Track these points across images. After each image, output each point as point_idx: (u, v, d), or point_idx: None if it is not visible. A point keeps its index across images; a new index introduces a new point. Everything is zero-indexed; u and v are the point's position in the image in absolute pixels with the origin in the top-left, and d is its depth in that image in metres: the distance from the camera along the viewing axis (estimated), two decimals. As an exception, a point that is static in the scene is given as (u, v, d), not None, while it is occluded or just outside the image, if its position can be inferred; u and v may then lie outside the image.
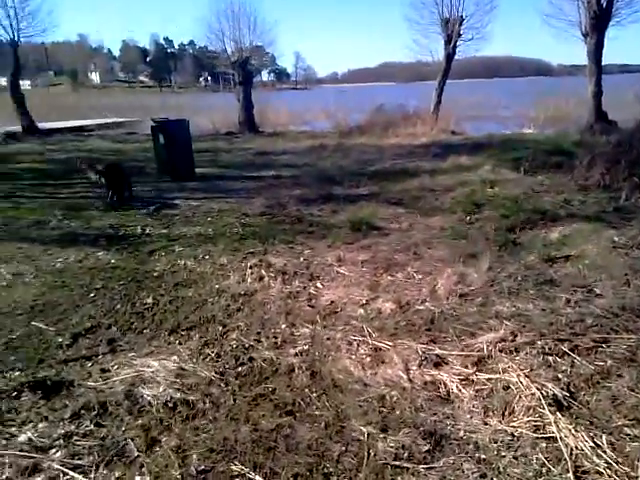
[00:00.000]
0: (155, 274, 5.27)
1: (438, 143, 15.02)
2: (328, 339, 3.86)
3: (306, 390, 3.23)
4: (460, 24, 19.56)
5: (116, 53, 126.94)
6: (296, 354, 3.68)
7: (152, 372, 3.44)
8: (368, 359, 3.56)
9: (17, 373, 3.43)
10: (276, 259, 5.52)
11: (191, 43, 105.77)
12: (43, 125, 22.11)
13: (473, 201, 7.61)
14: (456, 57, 20.34)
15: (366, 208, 7.47)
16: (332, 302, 4.50)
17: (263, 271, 5.18)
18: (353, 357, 3.60)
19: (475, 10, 19.73)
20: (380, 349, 3.66)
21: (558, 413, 2.88)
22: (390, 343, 3.72)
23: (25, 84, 78.81)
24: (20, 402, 3.11)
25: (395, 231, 6.54)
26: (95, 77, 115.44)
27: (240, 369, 3.51)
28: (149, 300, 4.64)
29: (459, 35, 19.74)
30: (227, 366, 3.54)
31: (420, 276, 4.98)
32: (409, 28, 25.69)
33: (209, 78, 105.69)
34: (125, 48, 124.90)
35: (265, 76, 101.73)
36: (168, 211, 7.72)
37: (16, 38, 20.68)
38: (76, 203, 8.31)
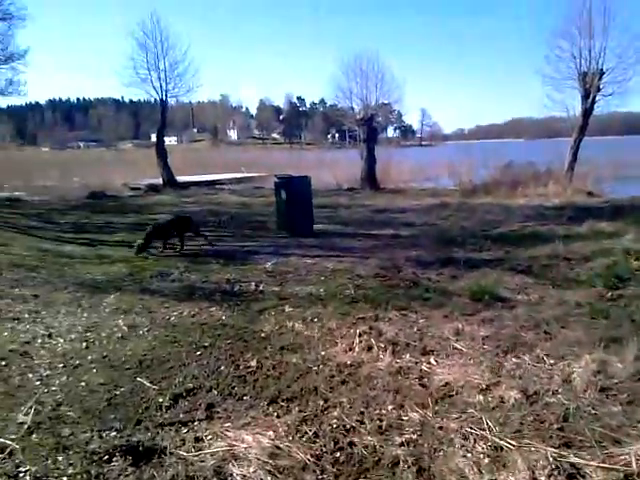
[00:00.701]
0: (262, 335, 5.14)
1: (573, 205, 13.91)
2: (440, 428, 3.40)
3: (410, 492, 2.80)
4: (600, 78, 18.36)
5: (253, 111, 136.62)
6: (402, 443, 3.26)
7: (245, 448, 3.21)
8: (486, 460, 3.04)
9: (113, 434, 3.36)
10: (387, 327, 5.17)
11: (322, 101, 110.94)
12: (182, 178, 23.85)
13: (615, 274, 6.69)
14: (594, 113, 19.03)
15: (489, 275, 6.91)
16: (447, 383, 4.02)
17: (373, 340, 4.84)
18: (468, 455, 3.10)
19: (617, 63, 18.41)
20: (501, 449, 3.13)
21: None
22: (514, 442, 3.17)
23: (172, 140, 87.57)
24: (110, 467, 3.00)
25: (522, 304, 5.89)
26: (233, 134, 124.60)
27: (338, 454, 3.17)
28: (253, 363, 4.48)
29: (598, 90, 18.51)
30: (324, 449, 3.21)
31: (551, 361, 4.34)
32: (543, 83, 24.60)
33: (336, 135, 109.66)
34: (261, 107, 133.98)
35: (390, 132, 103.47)
36: (283, 268, 7.70)
37: (164, 98, 22.86)
38: (197, 256, 8.60)
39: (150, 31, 22.08)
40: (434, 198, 16.53)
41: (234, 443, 3.26)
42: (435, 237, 9.93)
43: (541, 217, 12.15)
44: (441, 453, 3.15)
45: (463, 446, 3.19)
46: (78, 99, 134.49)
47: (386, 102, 23.00)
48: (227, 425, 3.49)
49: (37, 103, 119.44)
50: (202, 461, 3.09)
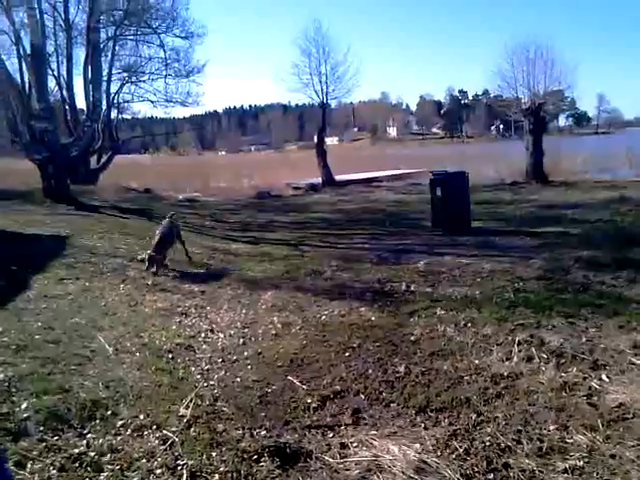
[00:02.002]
0: (412, 338, 4.98)
1: None
2: (612, 457, 2.98)
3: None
4: None
5: (413, 108, 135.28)
6: (566, 470, 2.90)
7: (390, 459, 3.09)
8: (669, 501, 2.59)
9: (263, 432, 3.44)
10: (551, 336, 4.70)
11: (485, 93, 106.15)
12: (340, 177, 24.39)
13: None
14: None
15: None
16: (621, 404, 3.52)
17: (533, 350, 4.44)
18: (647, 493, 2.67)
19: None
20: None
21: None
22: None
23: (334, 140, 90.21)
24: (258, 468, 3.05)
25: None
26: (392, 131, 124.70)
27: (491, 476, 2.91)
28: (401, 369, 4.35)
29: None
30: (476, 469, 2.97)
31: None
32: None
33: (500, 127, 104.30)
34: (421, 102, 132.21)
35: (562, 121, 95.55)
36: (436, 268, 7.43)
37: (325, 100, 23.59)
38: (351, 254, 8.67)
39: (312, 37, 22.98)
40: (611, 191, 14.87)
41: (379, 453, 3.16)
42: (611, 235, 8.84)
43: None
44: (614, 486, 2.75)
45: (641, 481, 2.76)
46: (250, 106, 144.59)
47: (556, 89, 21.20)
48: (373, 433, 3.40)
49: (215, 111, 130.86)
50: (347, 469, 3.03)
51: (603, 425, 3.29)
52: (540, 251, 8.13)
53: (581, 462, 2.95)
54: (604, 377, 3.93)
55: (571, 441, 3.16)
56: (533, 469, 2.92)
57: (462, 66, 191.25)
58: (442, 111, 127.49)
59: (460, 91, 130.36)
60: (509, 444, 3.17)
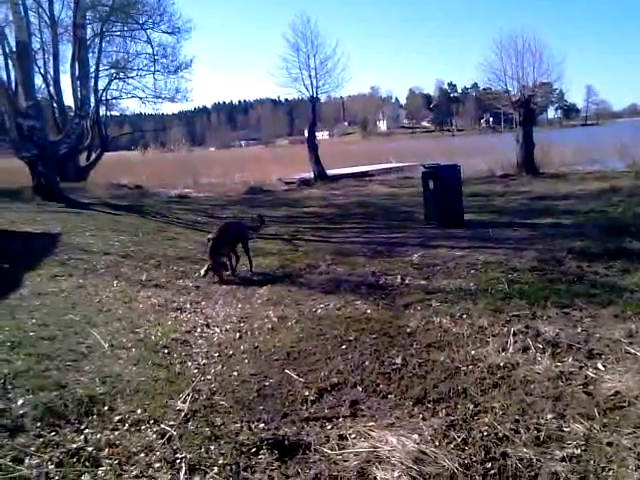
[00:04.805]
0: (408, 330, 4.99)
1: None
2: (609, 444, 3.00)
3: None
4: None
5: (403, 101, 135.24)
6: (564, 458, 2.92)
7: (389, 450, 3.09)
8: (666, 486, 2.61)
9: (261, 425, 3.44)
10: (546, 327, 4.73)
11: (474, 86, 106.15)
12: (332, 171, 24.32)
13: None
14: None
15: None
16: (617, 393, 3.54)
17: (529, 340, 4.47)
18: (644, 479, 2.69)
19: None
20: (685, 475, 2.67)
21: None
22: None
23: (324, 134, 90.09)
24: (257, 460, 3.05)
25: None
26: (382, 125, 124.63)
27: (489, 465, 2.92)
28: (398, 360, 4.35)
29: None
30: (474, 458, 2.98)
31: None
32: None
33: (490, 119, 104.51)
34: (411, 96, 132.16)
35: (551, 113, 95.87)
36: (430, 261, 7.44)
37: (315, 94, 23.49)
38: (345, 248, 8.67)
39: (301, 31, 22.85)
40: (602, 182, 14.98)
41: (378, 444, 3.15)
42: (603, 226, 8.90)
43: None
44: (610, 473, 2.78)
45: (639, 468, 2.78)
46: (239, 101, 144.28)
47: (545, 81, 21.26)
48: (371, 424, 3.40)
49: (204, 107, 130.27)
50: (345, 461, 3.03)
51: (599, 413, 3.32)
52: (533, 242, 8.17)
53: (578, 450, 2.98)
54: (600, 366, 3.96)
55: (568, 430, 3.18)
56: (531, 458, 2.93)
57: (451, 59, 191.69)
58: (432, 104, 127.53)
59: (449, 84, 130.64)
60: (507, 433, 3.19)
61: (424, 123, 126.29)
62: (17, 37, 14.19)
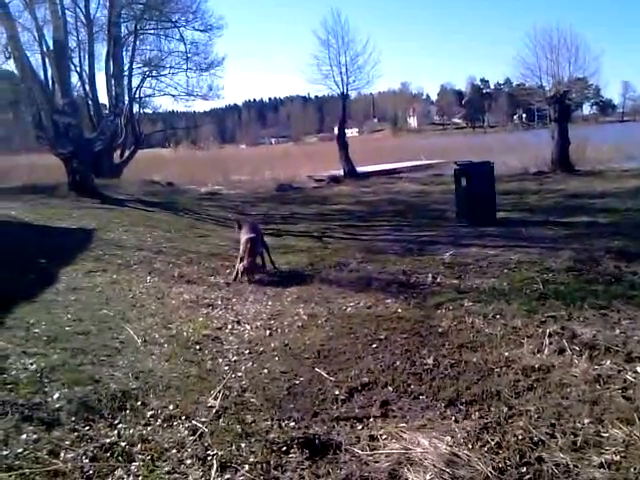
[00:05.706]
0: (439, 330, 4.92)
1: None
2: (649, 451, 2.90)
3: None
4: None
5: (434, 98, 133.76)
6: (602, 465, 2.82)
7: (421, 452, 3.05)
8: None
9: (292, 424, 3.43)
10: (583, 328, 4.61)
11: (507, 81, 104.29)
12: (362, 169, 24.23)
13: None
14: None
15: None
16: (658, 398, 3.43)
17: (565, 342, 4.35)
18: (687, 490, 2.59)
19: None
20: None
21: None
22: None
23: (353, 131, 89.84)
24: (288, 459, 3.04)
25: None
26: (413, 121, 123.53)
27: (524, 470, 2.84)
28: (429, 360, 4.30)
29: None
30: (508, 463, 2.91)
31: None
32: None
33: (523, 116, 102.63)
34: (442, 92, 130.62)
35: (587, 109, 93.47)
36: (462, 260, 7.34)
37: (345, 91, 23.40)
38: (374, 246, 8.61)
39: (332, 28, 22.78)
40: (639, 180, 14.53)
41: (409, 446, 3.11)
42: (642, 225, 8.68)
43: None
44: (652, 480, 2.68)
45: (681, 476, 2.68)
46: (270, 98, 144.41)
47: (581, 77, 20.74)
48: (402, 425, 3.36)
49: (235, 105, 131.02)
50: (376, 462, 3.00)
51: (639, 419, 3.21)
52: (569, 241, 7.98)
53: (617, 456, 2.88)
54: (639, 370, 3.84)
55: (606, 435, 3.08)
56: (568, 463, 2.85)
57: (483, 53, 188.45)
58: (463, 101, 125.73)
59: (482, 80, 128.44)
60: (542, 438, 3.11)
61: (455, 120, 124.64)
62: (54, 36, 14.53)
